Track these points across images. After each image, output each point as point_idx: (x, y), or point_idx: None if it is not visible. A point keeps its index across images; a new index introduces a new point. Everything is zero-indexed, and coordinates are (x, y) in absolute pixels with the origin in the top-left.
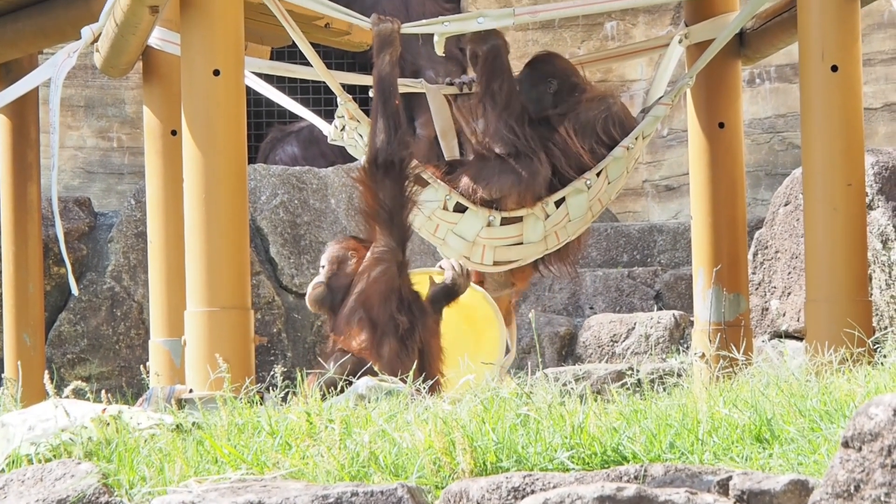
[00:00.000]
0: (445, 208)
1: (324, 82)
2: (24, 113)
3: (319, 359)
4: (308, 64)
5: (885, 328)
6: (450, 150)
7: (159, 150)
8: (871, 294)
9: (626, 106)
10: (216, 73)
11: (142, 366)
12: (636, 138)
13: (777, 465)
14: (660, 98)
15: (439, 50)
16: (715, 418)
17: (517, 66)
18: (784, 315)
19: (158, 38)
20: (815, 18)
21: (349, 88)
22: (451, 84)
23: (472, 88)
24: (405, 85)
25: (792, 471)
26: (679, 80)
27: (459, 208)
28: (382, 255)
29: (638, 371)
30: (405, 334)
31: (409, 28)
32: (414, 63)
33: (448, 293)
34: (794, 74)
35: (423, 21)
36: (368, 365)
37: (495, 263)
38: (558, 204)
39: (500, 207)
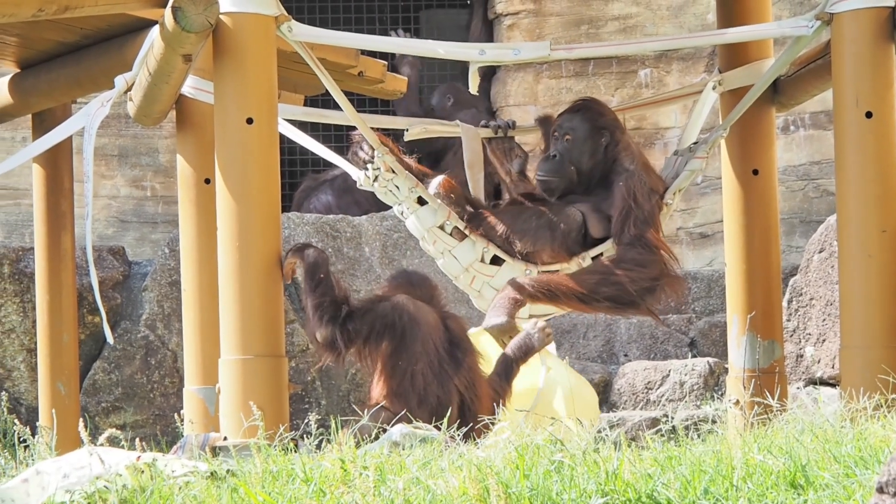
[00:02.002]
0: (482, 261)
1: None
2: (58, 162)
3: (355, 407)
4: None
5: None
6: (475, 186)
7: (193, 198)
8: None
9: (660, 154)
10: (249, 121)
11: (176, 414)
12: (674, 193)
13: None
14: (695, 151)
15: (473, 86)
16: (749, 464)
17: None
18: (819, 362)
19: (192, 86)
20: (850, 65)
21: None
22: (487, 126)
23: (507, 132)
24: (441, 124)
25: None
26: (713, 131)
27: (496, 261)
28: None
29: (672, 418)
30: (462, 403)
31: (445, 54)
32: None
33: (526, 350)
34: (829, 121)
35: (460, 44)
36: (402, 412)
37: (530, 316)
38: (595, 259)
39: (535, 261)
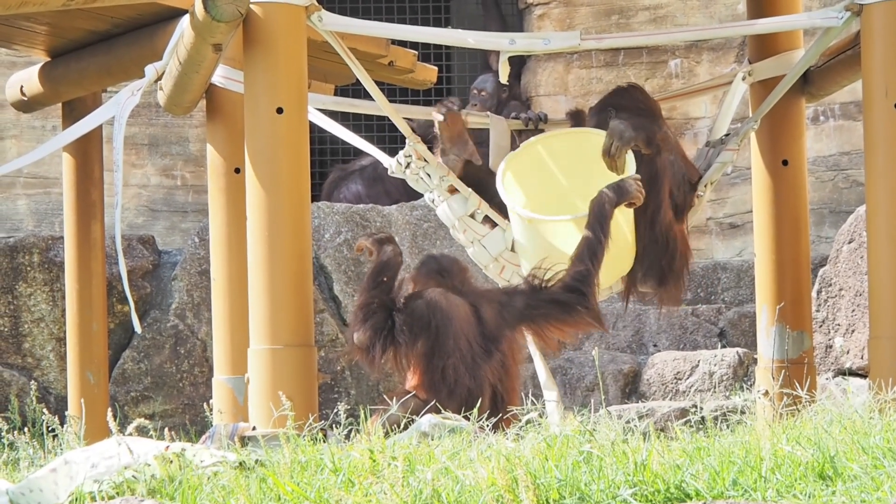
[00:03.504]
0: (512, 250)
1: (386, 119)
2: (88, 151)
3: (384, 396)
4: (372, 101)
5: None
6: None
7: (223, 187)
8: None
9: (690, 144)
10: (280, 111)
11: (205, 403)
12: (705, 185)
13: (840, 502)
14: (726, 143)
15: (503, 75)
16: (778, 455)
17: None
18: (848, 352)
19: (222, 76)
20: (879, 56)
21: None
22: (517, 118)
23: (538, 125)
24: (472, 114)
25: None
26: (744, 123)
27: None
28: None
29: (701, 408)
30: (494, 394)
31: (476, 43)
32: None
33: (619, 193)
34: (858, 112)
35: (490, 34)
36: (432, 402)
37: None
38: None
39: None
